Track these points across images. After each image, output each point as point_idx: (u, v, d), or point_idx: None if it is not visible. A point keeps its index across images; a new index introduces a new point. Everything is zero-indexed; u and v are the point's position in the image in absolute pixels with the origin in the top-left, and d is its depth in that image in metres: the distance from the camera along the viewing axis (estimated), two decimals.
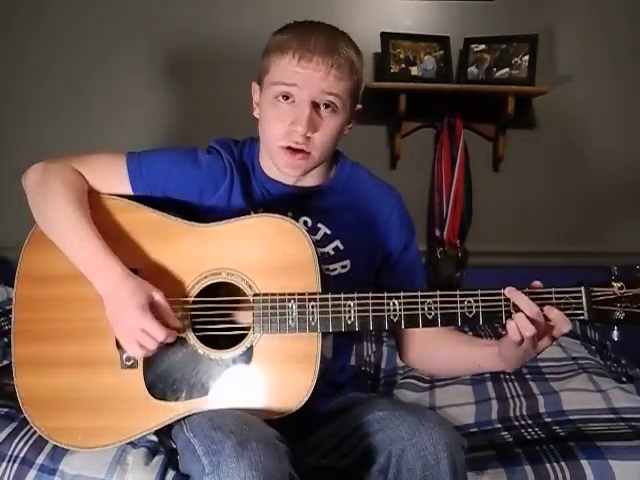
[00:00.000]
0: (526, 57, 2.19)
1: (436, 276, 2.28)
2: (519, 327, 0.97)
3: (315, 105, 1.10)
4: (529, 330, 0.97)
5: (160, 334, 1.01)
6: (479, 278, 2.19)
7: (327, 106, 1.11)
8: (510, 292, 1.00)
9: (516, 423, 1.35)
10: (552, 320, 0.98)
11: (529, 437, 1.26)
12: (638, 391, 1.47)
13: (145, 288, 1.04)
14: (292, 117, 1.10)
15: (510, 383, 1.55)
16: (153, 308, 1.03)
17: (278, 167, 1.15)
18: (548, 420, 1.34)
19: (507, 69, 2.21)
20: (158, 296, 1.04)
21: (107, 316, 1.05)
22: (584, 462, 1.13)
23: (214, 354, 1.07)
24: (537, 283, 1.02)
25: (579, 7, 2.30)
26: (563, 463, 1.13)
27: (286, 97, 1.11)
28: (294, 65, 1.08)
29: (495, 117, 2.29)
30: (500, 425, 1.35)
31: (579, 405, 1.37)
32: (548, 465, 1.14)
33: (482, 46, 2.24)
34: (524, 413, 1.39)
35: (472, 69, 2.25)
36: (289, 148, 1.11)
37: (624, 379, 1.62)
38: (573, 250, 2.34)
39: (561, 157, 2.36)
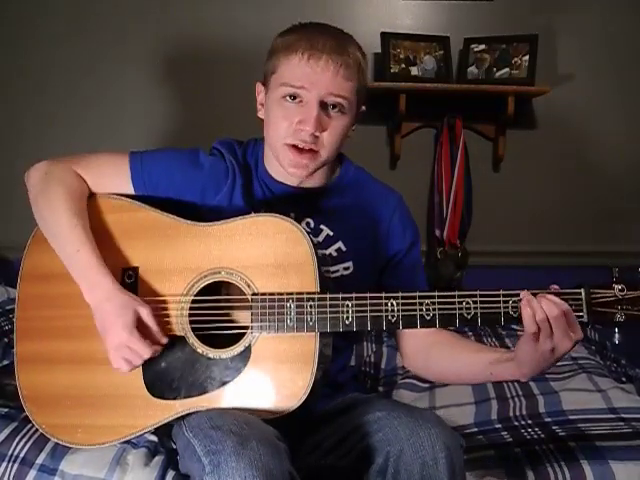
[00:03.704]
0: (526, 57, 2.19)
1: (436, 276, 2.27)
2: (534, 311, 0.94)
3: (323, 105, 1.09)
4: (543, 314, 0.94)
5: (145, 352, 1.03)
6: (479, 278, 2.19)
7: (335, 107, 1.10)
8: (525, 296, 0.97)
9: (516, 423, 1.34)
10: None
11: (529, 437, 1.26)
12: (638, 391, 1.47)
13: (132, 305, 1.04)
14: (299, 116, 1.09)
15: (510, 383, 1.54)
16: (140, 324, 1.04)
17: (283, 166, 1.14)
18: (548, 420, 1.33)
19: (507, 69, 2.22)
20: (145, 312, 1.05)
21: (96, 326, 1.06)
22: (584, 462, 1.12)
23: (212, 353, 1.07)
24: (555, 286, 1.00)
25: (579, 7, 2.30)
26: (563, 463, 1.13)
27: (293, 97, 1.10)
28: (303, 64, 1.07)
29: (495, 117, 2.29)
30: (500, 425, 1.34)
31: (579, 405, 1.37)
32: (548, 465, 1.13)
33: (482, 46, 2.24)
34: (524, 413, 1.38)
35: (472, 69, 2.25)
36: (295, 147, 1.11)
37: (624, 379, 1.62)
38: (573, 250, 2.34)
39: (561, 157, 2.36)
